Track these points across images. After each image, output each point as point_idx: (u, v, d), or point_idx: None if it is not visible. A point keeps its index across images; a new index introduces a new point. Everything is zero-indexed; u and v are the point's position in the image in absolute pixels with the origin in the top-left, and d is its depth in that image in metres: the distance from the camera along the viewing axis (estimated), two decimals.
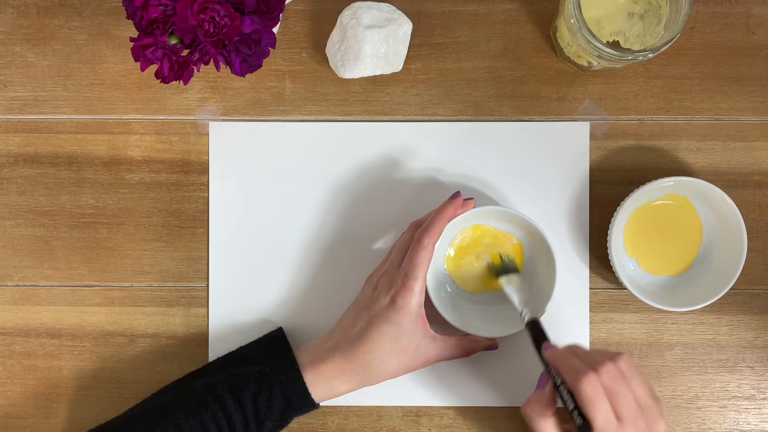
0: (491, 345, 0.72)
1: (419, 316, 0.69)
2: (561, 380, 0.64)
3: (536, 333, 0.68)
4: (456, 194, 0.71)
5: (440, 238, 0.70)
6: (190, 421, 0.67)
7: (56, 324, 0.76)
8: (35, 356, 0.76)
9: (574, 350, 0.65)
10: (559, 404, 0.65)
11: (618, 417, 0.61)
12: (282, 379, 0.68)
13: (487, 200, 0.76)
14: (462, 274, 0.74)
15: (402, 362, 0.69)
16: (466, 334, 0.72)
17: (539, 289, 0.73)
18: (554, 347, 0.66)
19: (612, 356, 0.63)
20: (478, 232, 0.74)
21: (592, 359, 0.63)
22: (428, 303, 0.71)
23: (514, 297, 0.71)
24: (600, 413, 0.60)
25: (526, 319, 0.69)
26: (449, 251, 0.74)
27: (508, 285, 0.72)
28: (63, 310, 0.76)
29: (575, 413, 0.62)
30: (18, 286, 0.77)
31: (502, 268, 0.73)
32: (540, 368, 0.68)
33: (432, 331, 0.70)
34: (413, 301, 0.68)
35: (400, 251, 0.71)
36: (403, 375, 0.70)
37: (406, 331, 0.68)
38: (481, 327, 0.72)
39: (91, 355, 0.76)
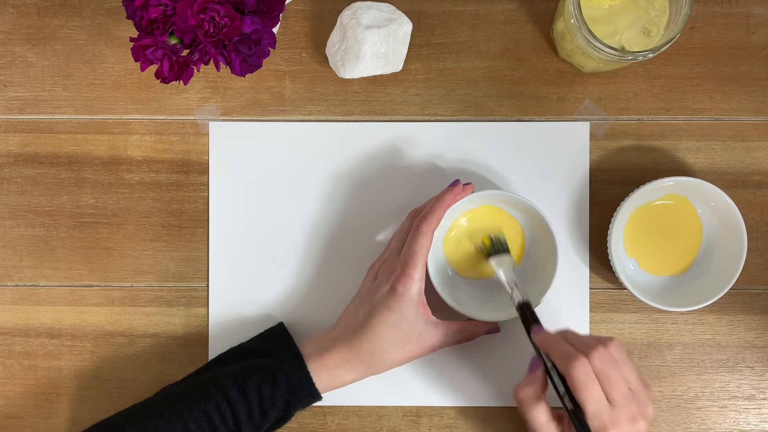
0: (493, 328, 0.72)
1: (420, 303, 0.69)
2: (552, 364, 0.64)
3: (527, 316, 0.68)
4: (455, 182, 0.71)
5: (439, 224, 0.69)
6: (194, 411, 0.67)
7: (56, 324, 0.76)
8: (35, 356, 0.76)
9: (564, 335, 0.65)
10: (550, 388, 0.65)
11: (610, 401, 0.61)
12: (286, 368, 0.68)
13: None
14: (460, 260, 0.74)
15: (405, 349, 0.69)
16: (468, 320, 0.71)
17: (541, 272, 0.72)
18: (545, 331, 0.66)
19: (603, 341, 0.63)
20: (478, 216, 0.74)
21: (582, 344, 0.63)
22: (431, 290, 0.71)
23: (504, 278, 0.70)
24: (592, 397, 0.60)
25: (517, 301, 0.69)
26: (448, 237, 0.74)
27: (498, 267, 0.71)
28: (63, 310, 0.76)
29: (566, 398, 0.62)
30: (18, 286, 0.77)
31: (492, 249, 0.72)
32: (532, 352, 0.68)
33: (434, 318, 0.70)
34: (413, 288, 0.68)
35: (400, 239, 0.71)
36: (408, 363, 0.70)
37: (407, 318, 0.68)
38: (482, 312, 0.72)
39: (91, 355, 0.76)
